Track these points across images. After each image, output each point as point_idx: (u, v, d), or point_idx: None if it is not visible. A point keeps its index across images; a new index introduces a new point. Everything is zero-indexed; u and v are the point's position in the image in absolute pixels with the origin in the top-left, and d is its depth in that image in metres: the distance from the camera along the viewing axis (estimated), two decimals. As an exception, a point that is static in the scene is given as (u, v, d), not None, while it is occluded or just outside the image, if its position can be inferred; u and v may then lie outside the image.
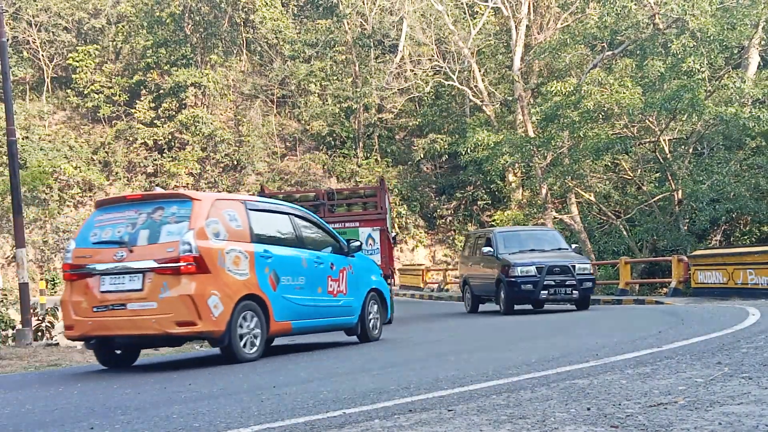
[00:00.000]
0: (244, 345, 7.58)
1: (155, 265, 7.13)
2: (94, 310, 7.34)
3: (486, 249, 15.19)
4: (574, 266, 14.22)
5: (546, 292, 14.06)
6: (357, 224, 14.54)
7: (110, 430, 4.30)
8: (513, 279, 14.14)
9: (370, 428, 3.78)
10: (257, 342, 7.73)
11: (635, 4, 24.16)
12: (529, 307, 15.45)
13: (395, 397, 4.75)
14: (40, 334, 13.10)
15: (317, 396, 5.02)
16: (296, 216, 8.87)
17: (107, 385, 6.76)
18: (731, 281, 15.36)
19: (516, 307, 14.89)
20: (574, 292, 14.16)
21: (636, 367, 5.45)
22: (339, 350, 8.84)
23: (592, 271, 14.90)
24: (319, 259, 8.80)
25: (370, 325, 9.66)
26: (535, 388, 4.77)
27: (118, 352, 8.21)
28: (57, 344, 12.32)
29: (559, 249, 15.25)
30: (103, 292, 7.32)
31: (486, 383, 5.14)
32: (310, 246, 8.81)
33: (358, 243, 9.65)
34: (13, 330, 12.98)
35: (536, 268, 14.12)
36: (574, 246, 15.86)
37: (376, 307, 9.82)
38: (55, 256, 36.59)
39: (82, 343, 8.37)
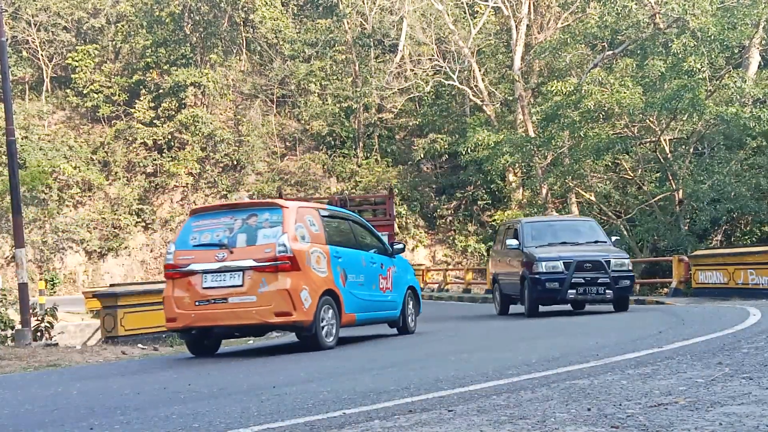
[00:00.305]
0: (324, 334, 8.56)
1: (254, 264, 8.12)
2: (197, 304, 8.25)
3: (511, 242, 13.48)
4: (608, 261, 12.49)
5: (574, 291, 12.39)
6: None
7: (110, 431, 4.29)
8: (536, 276, 12.48)
9: (370, 428, 3.76)
10: (333, 332, 8.72)
11: (636, 4, 24.13)
12: (566, 307, 13.83)
13: (395, 397, 4.74)
14: (39, 334, 13.09)
15: (317, 396, 5.01)
16: (352, 221, 10.09)
17: (107, 386, 6.76)
18: (732, 281, 15.34)
19: (551, 307, 13.26)
20: (607, 291, 12.42)
21: (636, 368, 5.44)
22: (338, 350, 8.83)
23: (630, 268, 13.05)
24: (372, 259, 9.88)
25: (409, 318, 10.67)
26: (535, 388, 4.76)
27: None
28: (56, 344, 12.32)
29: (596, 242, 13.45)
30: (205, 288, 8.23)
31: (486, 383, 5.13)
32: (364, 248, 9.86)
33: (401, 245, 10.84)
34: (12, 330, 12.98)
35: (563, 263, 12.42)
36: (614, 238, 14.13)
37: (412, 302, 10.88)
38: (54, 256, 36.58)
39: (180, 333, 9.16)
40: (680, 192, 23.24)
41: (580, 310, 14.10)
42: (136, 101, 40.16)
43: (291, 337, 10.74)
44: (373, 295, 9.66)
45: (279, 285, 8.02)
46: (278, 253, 8.06)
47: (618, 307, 12.98)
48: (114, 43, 43.21)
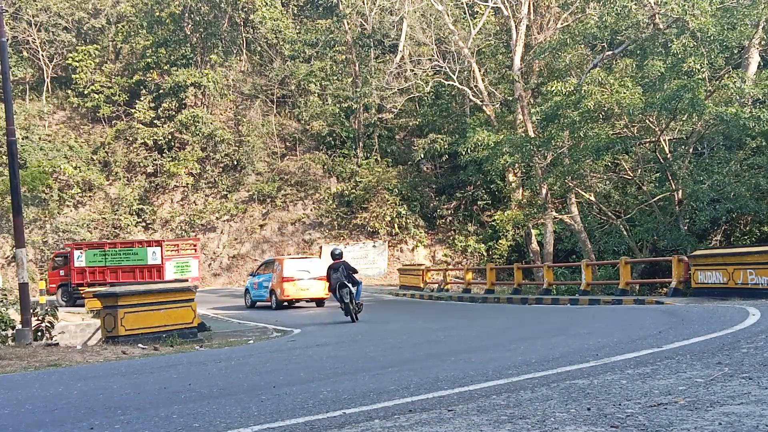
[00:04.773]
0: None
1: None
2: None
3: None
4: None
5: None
6: None
7: (110, 430, 4.30)
8: None
9: (370, 428, 3.77)
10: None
11: (635, 4, 24.10)
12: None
13: (395, 397, 4.75)
14: (39, 334, 13.08)
15: (317, 396, 5.01)
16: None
17: (107, 385, 6.76)
18: (731, 281, 15.33)
19: None
20: None
21: (636, 367, 5.44)
22: (340, 349, 8.84)
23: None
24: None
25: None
26: (535, 388, 4.77)
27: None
28: (57, 344, 12.31)
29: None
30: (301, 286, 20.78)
31: (486, 383, 5.13)
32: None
33: None
34: (12, 330, 12.97)
35: None
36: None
37: None
38: (55, 256, 36.58)
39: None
40: (680, 192, 23.23)
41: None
42: (137, 101, 40.17)
43: (289, 338, 10.73)
44: None
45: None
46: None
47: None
48: (114, 43, 43.23)
